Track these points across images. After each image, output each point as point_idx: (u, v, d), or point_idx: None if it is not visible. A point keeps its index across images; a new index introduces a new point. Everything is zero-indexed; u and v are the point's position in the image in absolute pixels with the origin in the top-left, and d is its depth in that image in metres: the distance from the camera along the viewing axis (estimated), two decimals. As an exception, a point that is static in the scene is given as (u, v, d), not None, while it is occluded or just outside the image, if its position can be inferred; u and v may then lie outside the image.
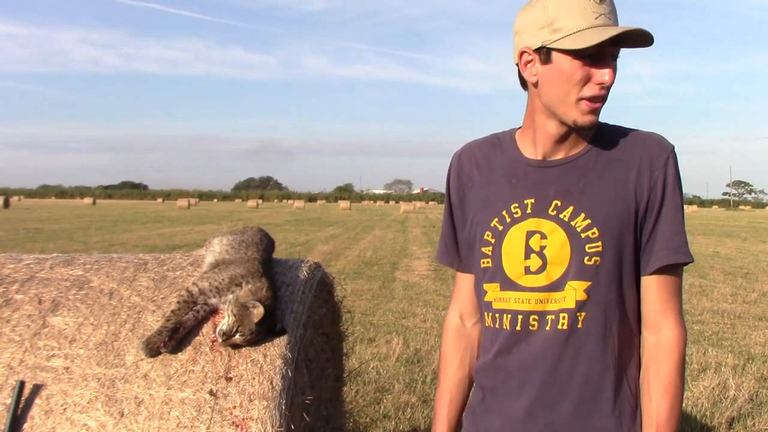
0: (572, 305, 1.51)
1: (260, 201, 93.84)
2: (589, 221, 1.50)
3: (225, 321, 1.86)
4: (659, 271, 1.53)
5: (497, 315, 1.59)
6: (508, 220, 1.57)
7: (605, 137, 1.57)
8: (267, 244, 2.22)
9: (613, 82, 1.46)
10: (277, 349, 1.90)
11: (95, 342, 1.92)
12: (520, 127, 1.65)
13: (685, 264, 1.55)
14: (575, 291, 1.50)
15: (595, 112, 1.48)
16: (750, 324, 8.86)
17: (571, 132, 1.54)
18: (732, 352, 7.07)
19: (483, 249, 1.61)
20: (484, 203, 1.63)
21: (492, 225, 1.59)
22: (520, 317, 1.55)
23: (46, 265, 2.25)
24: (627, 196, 1.52)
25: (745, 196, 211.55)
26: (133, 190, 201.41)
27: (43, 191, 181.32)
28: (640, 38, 1.43)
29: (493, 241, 1.59)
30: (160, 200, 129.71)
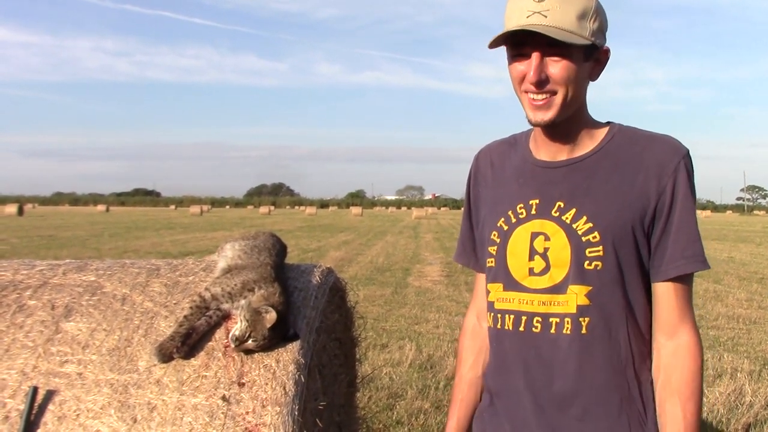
0: (574, 310, 1.49)
1: (272, 207, 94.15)
2: (590, 225, 1.49)
3: (238, 326, 1.86)
4: (675, 279, 1.51)
5: (499, 315, 1.59)
6: (514, 220, 1.57)
7: (617, 139, 1.56)
8: (279, 249, 2.22)
9: (543, 80, 1.45)
10: (289, 354, 1.89)
11: (108, 348, 1.92)
12: None
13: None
14: (576, 295, 1.49)
15: (541, 107, 1.48)
16: (766, 329, 8.78)
17: (557, 130, 1.54)
18: (748, 358, 7.01)
19: (489, 249, 1.61)
20: (494, 203, 1.64)
21: (498, 225, 1.59)
22: (523, 318, 1.54)
23: (59, 271, 2.25)
24: (633, 201, 1.49)
25: (759, 201, 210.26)
26: (145, 197, 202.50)
27: (57, 199, 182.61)
28: (555, 37, 1.42)
29: (498, 240, 1.59)
30: (172, 207, 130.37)
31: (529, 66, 1.44)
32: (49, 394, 1.81)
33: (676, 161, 1.50)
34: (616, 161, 1.53)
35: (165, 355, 1.85)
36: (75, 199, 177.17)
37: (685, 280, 1.52)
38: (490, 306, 1.62)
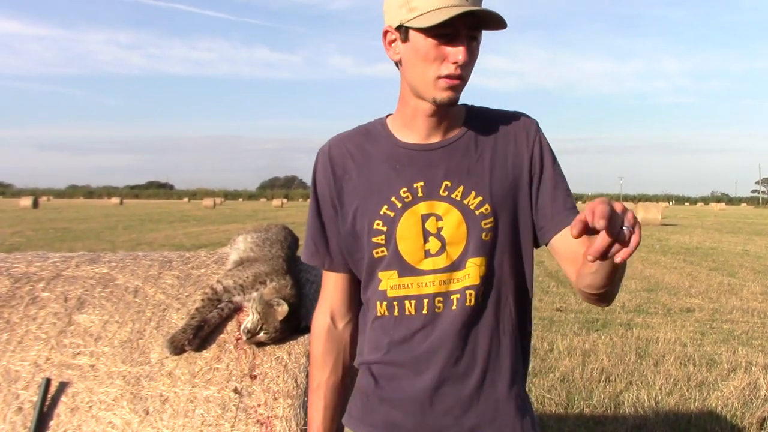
0: (477, 281, 1.53)
1: (285, 200, 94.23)
2: (480, 198, 1.53)
3: (249, 319, 1.86)
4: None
5: (395, 303, 1.57)
6: (400, 205, 1.56)
7: (477, 119, 1.61)
8: (291, 241, 2.21)
9: (469, 61, 1.48)
10: (301, 346, 1.89)
11: (120, 340, 1.93)
12: (389, 115, 1.67)
13: None
14: (478, 267, 1.52)
15: (454, 88, 1.50)
16: (781, 323, 8.72)
17: (441, 112, 1.56)
18: (762, 352, 6.96)
19: (374, 239, 1.58)
20: (368, 192, 1.60)
21: (382, 213, 1.57)
22: (425, 301, 1.54)
23: (71, 264, 2.26)
24: (510, 170, 1.56)
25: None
26: (159, 189, 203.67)
27: (71, 191, 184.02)
28: (494, 20, 1.45)
29: (385, 228, 1.57)
30: (185, 200, 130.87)
31: (457, 48, 1.46)
32: (62, 386, 1.82)
33: (535, 127, 1.60)
34: (484, 138, 1.59)
35: (177, 347, 1.86)
36: (89, 192, 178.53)
37: None
38: (382, 295, 1.59)
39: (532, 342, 1.68)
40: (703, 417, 4.91)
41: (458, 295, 1.52)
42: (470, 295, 1.52)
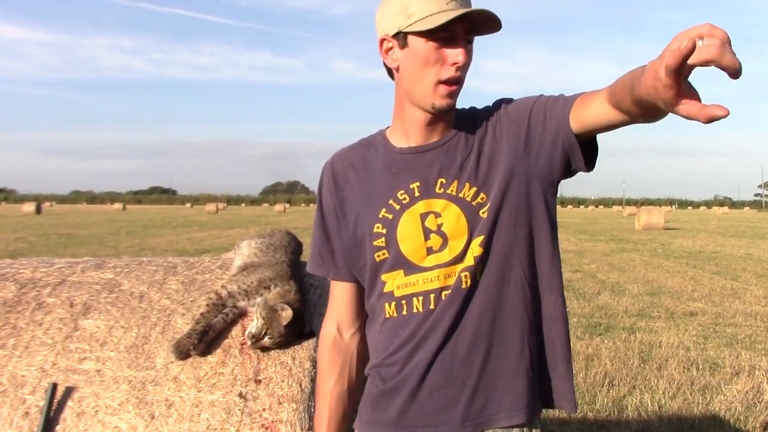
0: (472, 262, 1.54)
1: (287, 205, 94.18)
2: (475, 189, 1.55)
3: (254, 324, 1.87)
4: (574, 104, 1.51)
5: (404, 301, 1.59)
6: (398, 207, 1.59)
7: (466, 119, 1.64)
8: (295, 246, 2.22)
9: (466, 63, 1.51)
10: (305, 351, 1.90)
11: (126, 345, 1.94)
12: (388, 127, 1.70)
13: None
14: (472, 249, 1.54)
15: (452, 95, 1.54)
16: (784, 327, 8.70)
17: (435, 117, 1.59)
18: (766, 355, 6.94)
19: (375, 242, 1.61)
20: (368, 199, 1.64)
21: (381, 216, 1.60)
22: (432, 296, 1.56)
23: (77, 269, 2.27)
24: (504, 153, 1.57)
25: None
26: (162, 195, 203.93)
27: (74, 197, 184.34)
28: (490, 23, 1.48)
29: (384, 231, 1.59)
30: (188, 205, 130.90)
31: (456, 49, 1.49)
32: (68, 391, 1.83)
33: (504, 102, 1.63)
34: (474, 134, 1.61)
35: (182, 352, 1.87)
36: (92, 198, 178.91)
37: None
38: (389, 296, 1.61)
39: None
40: (707, 421, 4.91)
41: (455, 279, 1.54)
42: (465, 277, 1.54)
